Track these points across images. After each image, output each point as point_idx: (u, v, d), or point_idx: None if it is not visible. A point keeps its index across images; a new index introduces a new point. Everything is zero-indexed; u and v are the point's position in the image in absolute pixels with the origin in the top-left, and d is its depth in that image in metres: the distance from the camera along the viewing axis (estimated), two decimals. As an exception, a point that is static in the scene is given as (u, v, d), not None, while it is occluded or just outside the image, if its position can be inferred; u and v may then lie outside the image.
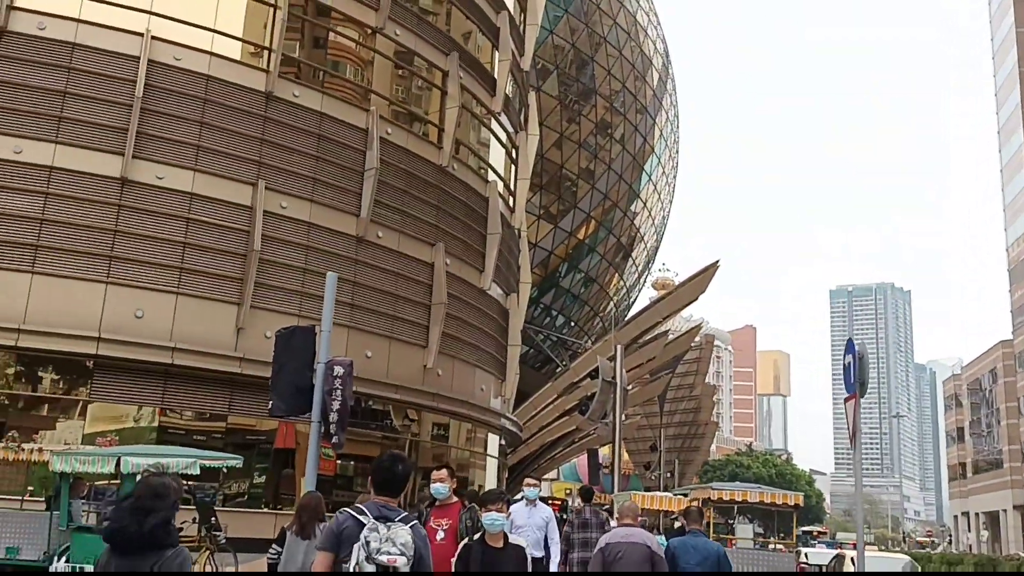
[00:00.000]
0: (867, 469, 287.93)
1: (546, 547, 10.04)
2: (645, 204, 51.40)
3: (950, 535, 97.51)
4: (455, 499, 7.38)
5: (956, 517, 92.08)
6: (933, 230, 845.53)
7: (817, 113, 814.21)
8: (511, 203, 30.90)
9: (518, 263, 32.11)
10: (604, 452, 41.49)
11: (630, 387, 32.01)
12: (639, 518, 8.02)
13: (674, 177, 56.44)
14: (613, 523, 16.34)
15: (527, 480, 10.39)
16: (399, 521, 4.36)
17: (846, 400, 9.20)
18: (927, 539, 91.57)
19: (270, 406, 8.41)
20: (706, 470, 73.90)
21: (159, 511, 3.81)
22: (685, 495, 16.54)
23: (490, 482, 28.79)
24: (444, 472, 7.39)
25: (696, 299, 42.98)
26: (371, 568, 4.13)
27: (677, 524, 11.52)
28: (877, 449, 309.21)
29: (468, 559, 5.71)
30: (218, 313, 20.33)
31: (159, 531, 3.80)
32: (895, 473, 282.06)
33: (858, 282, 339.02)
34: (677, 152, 56.26)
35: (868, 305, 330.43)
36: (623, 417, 28.83)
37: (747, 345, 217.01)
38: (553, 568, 10.05)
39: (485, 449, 29.69)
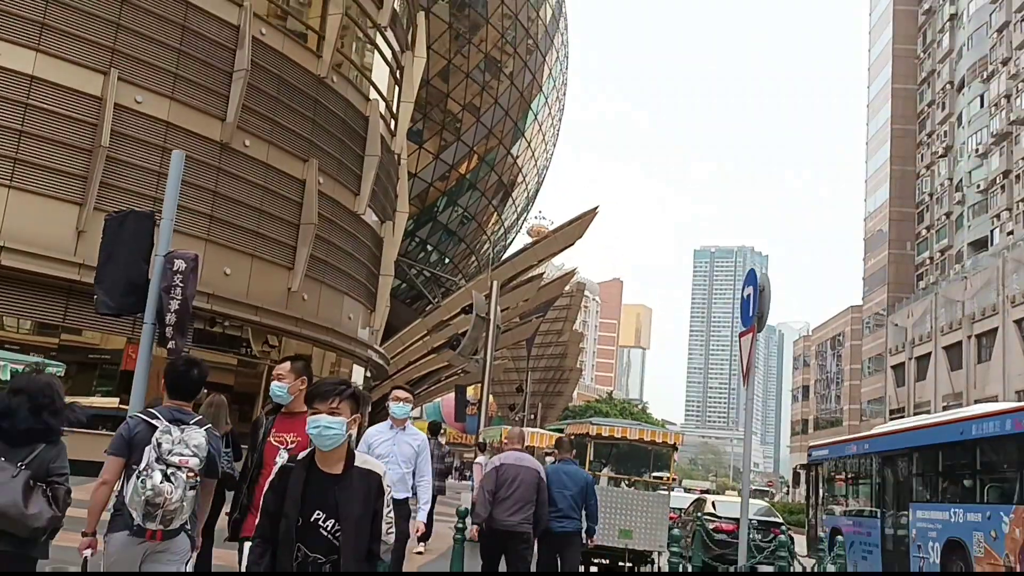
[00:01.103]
0: (714, 421, 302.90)
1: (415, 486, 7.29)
2: (529, 144, 50.49)
3: (787, 485, 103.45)
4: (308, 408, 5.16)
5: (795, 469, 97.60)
6: (810, 196, 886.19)
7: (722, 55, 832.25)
8: (392, 126, 29.39)
9: (396, 191, 30.75)
10: (471, 392, 41.05)
11: (502, 326, 31.47)
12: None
13: (559, 119, 55.70)
14: (481, 458, 15.88)
15: (395, 392, 7.23)
16: (193, 424, 4.29)
17: (742, 335, 8.64)
18: (766, 488, 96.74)
19: (95, 300, 7.08)
20: (566, 415, 75.07)
21: (53, 406, 4.07)
22: (560, 431, 16.06)
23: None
24: (287, 366, 5.00)
25: (573, 243, 42.73)
26: (161, 468, 4.03)
27: (550, 459, 11.09)
28: (725, 403, 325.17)
29: (283, 490, 3.47)
30: (57, 212, 18.26)
31: (52, 424, 4.06)
32: (740, 426, 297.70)
33: (723, 244, 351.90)
34: (564, 94, 55.46)
35: (728, 267, 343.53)
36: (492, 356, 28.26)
37: (613, 297, 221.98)
38: (422, 516, 7.32)
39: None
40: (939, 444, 14.31)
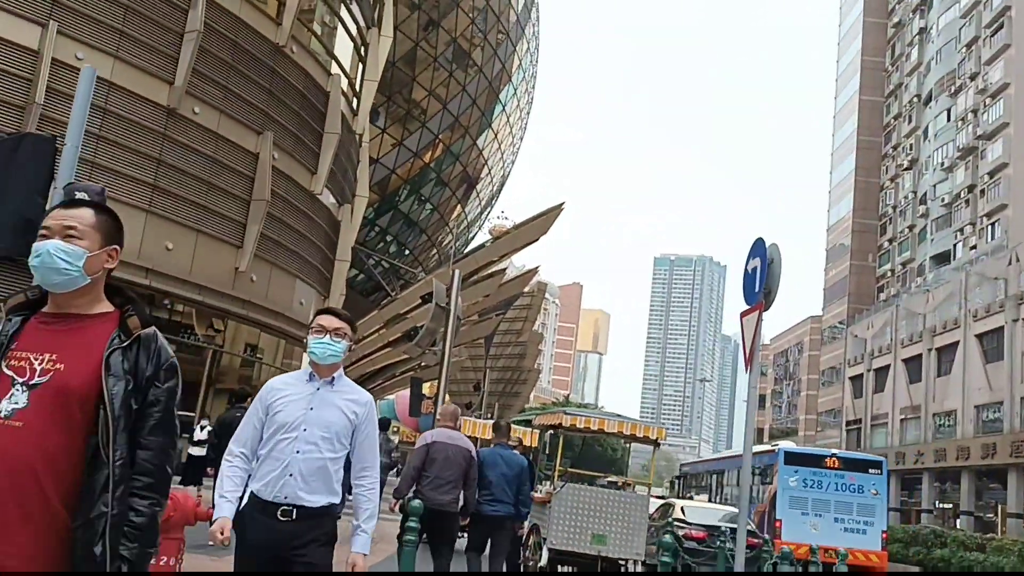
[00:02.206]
0: (668, 429, 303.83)
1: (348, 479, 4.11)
2: (496, 136, 49.30)
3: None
4: (109, 307, 2.58)
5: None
6: (774, 206, 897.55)
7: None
8: (355, 105, 28.03)
9: (356, 173, 29.37)
10: (427, 389, 39.75)
11: (462, 318, 30.25)
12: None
13: (528, 112, 54.56)
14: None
15: (320, 319, 4.11)
16: None
17: (744, 314, 7.56)
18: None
19: (-22, 238, 5.80)
20: (524, 416, 74.11)
21: None
22: (528, 422, 14.92)
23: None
24: (84, 214, 2.63)
25: (537, 239, 41.70)
26: None
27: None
28: (679, 411, 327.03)
29: None
30: (-20, 172, 16.67)
31: None
32: (693, 434, 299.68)
33: (683, 252, 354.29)
34: (534, 87, 54.38)
35: (687, 275, 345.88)
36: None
37: (573, 301, 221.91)
38: (360, 545, 3.96)
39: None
40: (723, 468, 25.44)
